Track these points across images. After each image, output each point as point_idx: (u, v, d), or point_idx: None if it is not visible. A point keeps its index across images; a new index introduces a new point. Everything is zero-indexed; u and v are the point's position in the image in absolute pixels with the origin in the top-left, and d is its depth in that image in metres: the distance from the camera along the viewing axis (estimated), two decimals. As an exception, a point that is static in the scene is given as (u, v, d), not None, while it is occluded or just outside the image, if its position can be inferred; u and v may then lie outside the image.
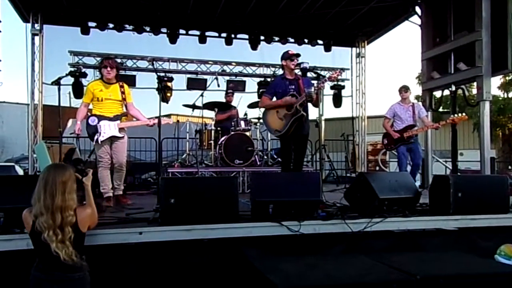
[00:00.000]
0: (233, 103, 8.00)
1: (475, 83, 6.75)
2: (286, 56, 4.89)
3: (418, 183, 6.57)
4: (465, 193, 4.00)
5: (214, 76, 9.03)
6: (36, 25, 8.14)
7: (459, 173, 7.12)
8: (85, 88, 5.27)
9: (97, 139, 4.64)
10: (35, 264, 2.46)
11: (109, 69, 4.70)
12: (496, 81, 17.96)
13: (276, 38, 9.46)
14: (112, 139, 4.72)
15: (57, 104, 5.09)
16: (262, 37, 9.41)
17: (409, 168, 6.61)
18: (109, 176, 4.78)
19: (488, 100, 6.38)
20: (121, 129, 4.73)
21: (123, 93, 4.81)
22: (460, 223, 3.99)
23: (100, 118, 4.68)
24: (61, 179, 2.41)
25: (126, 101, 4.85)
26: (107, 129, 4.66)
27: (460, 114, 6.12)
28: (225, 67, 9.96)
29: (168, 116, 16.17)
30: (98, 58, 9.13)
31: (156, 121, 4.68)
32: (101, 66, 4.83)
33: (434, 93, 8.05)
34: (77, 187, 2.55)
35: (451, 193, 3.96)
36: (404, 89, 6.60)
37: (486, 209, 4.06)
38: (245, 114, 7.54)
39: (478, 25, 6.33)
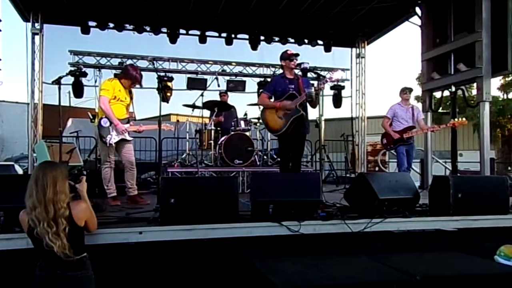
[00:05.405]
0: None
1: (475, 84, 6.75)
2: (285, 56, 4.88)
3: (418, 184, 6.58)
4: (465, 193, 4.01)
5: (214, 76, 9.08)
6: (36, 24, 8.14)
7: (458, 174, 7.13)
8: (101, 83, 5.40)
9: (109, 141, 4.66)
10: (38, 263, 2.47)
11: (136, 84, 4.87)
12: (496, 82, 17.99)
13: (276, 38, 9.47)
14: (121, 141, 4.79)
15: (56, 103, 5.08)
16: (262, 37, 9.41)
17: None
18: (113, 176, 4.84)
19: (488, 101, 6.38)
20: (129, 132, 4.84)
21: (131, 98, 4.95)
22: (460, 223, 4.00)
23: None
24: (51, 173, 2.45)
25: (131, 105, 4.98)
26: (118, 132, 4.74)
27: (460, 119, 6.21)
28: (225, 67, 9.98)
29: (168, 116, 16.23)
30: (98, 58, 9.16)
31: (143, 127, 4.87)
32: (130, 74, 4.80)
33: (434, 93, 8.06)
34: (73, 193, 2.59)
35: (451, 193, 3.96)
36: (407, 91, 6.76)
37: (486, 210, 4.06)
38: (245, 114, 7.52)
39: (478, 26, 6.33)
